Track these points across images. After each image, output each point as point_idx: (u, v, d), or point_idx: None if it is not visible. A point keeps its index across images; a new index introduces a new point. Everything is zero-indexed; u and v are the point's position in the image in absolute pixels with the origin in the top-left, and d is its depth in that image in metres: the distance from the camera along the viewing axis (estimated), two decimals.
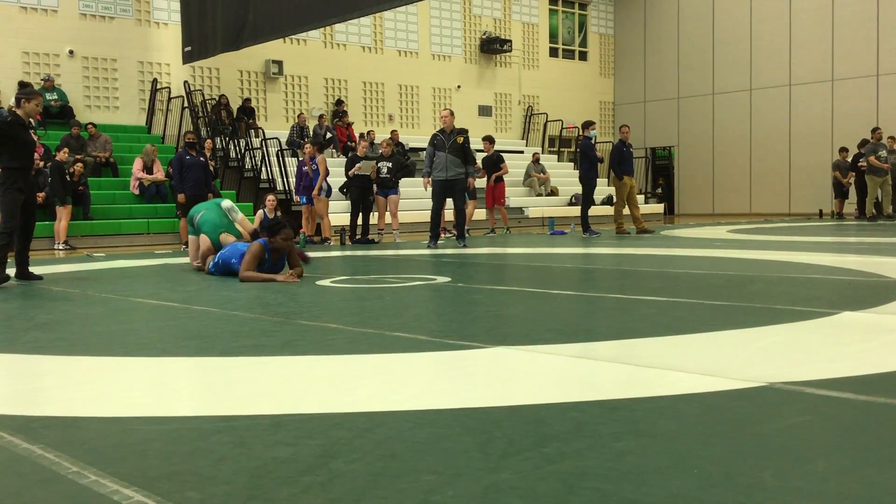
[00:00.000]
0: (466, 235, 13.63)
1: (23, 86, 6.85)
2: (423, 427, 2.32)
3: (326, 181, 12.90)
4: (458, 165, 10.93)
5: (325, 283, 6.53)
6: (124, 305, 5.38)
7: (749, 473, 1.87)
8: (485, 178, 15.02)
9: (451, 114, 11.21)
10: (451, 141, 10.94)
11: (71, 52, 16.48)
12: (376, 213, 13.39)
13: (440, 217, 11.29)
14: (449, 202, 11.56)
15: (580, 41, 25.85)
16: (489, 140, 15.05)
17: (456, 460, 2.01)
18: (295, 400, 2.72)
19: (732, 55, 23.62)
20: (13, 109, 7.08)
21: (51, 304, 5.58)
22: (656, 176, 25.28)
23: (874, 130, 17.50)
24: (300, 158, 14.24)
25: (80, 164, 13.09)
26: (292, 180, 15.65)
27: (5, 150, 6.77)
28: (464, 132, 11.34)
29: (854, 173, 18.57)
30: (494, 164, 14.85)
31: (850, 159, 18.92)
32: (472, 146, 12.20)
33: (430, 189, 11.25)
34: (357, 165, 12.65)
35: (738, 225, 16.75)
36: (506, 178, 15.17)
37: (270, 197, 13.12)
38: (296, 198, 13.98)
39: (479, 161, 14.75)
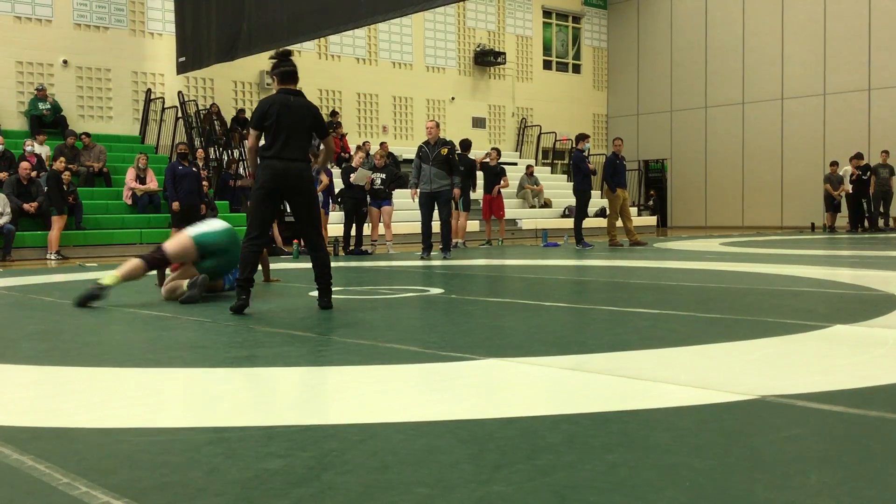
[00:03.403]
0: (461, 246, 13.70)
1: (285, 56, 5.47)
2: (415, 439, 2.31)
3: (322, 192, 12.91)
4: (442, 177, 10.94)
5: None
6: (116, 315, 5.36)
7: (741, 486, 1.88)
8: (482, 188, 15.07)
9: (437, 125, 11.24)
10: (435, 153, 10.97)
11: (65, 61, 16.48)
12: (370, 224, 13.39)
13: (431, 228, 11.31)
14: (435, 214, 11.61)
15: (574, 54, 25.95)
16: (496, 151, 15.23)
17: (448, 472, 2.00)
18: (287, 411, 2.72)
19: (725, 68, 23.74)
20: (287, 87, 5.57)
21: (42, 314, 5.56)
22: (649, 188, 25.36)
23: None
24: None
25: (67, 173, 13.08)
26: None
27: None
28: (449, 143, 11.35)
29: (849, 186, 18.71)
30: (498, 175, 14.91)
31: (841, 172, 19.03)
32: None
33: (416, 199, 11.31)
34: (352, 175, 12.65)
35: (731, 238, 16.79)
36: (501, 190, 15.22)
37: None
38: None
39: (478, 170, 14.85)
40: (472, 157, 14.39)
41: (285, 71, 5.55)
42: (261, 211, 5.48)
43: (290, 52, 5.70)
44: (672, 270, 8.46)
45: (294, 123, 5.43)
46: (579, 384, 3.05)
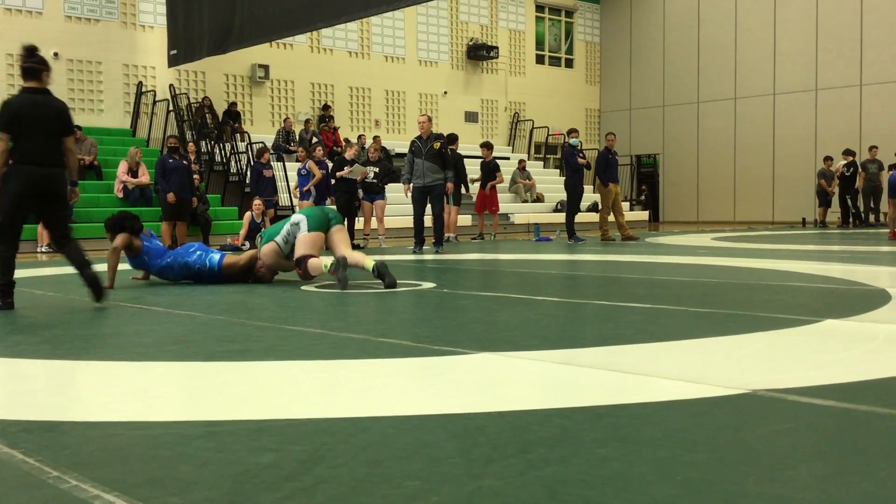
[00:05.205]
0: (453, 240, 13.70)
1: (30, 52, 5.24)
2: (407, 433, 2.31)
3: (313, 186, 12.89)
4: (435, 171, 10.92)
5: (310, 288, 6.51)
6: (107, 309, 5.34)
7: (732, 480, 1.88)
8: (478, 184, 15.06)
9: (429, 120, 11.21)
10: (427, 147, 10.95)
11: (56, 54, 16.38)
12: (362, 219, 13.37)
13: (423, 222, 11.31)
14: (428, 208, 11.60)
15: (566, 48, 25.94)
16: (488, 146, 15.17)
17: (440, 466, 2.00)
18: (279, 405, 2.71)
19: (717, 64, 23.77)
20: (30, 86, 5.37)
21: (33, 308, 5.53)
22: (641, 183, 25.39)
23: None
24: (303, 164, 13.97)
25: None
26: (279, 185, 15.60)
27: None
28: (441, 137, 11.33)
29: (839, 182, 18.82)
30: (492, 171, 14.90)
31: (833, 168, 19.11)
32: (469, 153, 12.18)
33: (409, 195, 11.30)
34: (347, 168, 12.59)
35: (722, 233, 16.83)
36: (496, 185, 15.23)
37: (257, 201, 13.12)
38: (299, 203, 13.83)
39: (471, 166, 14.83)
40: (458, 151, 14.33)
41: (27, 67, 5.31)
42: (17, 218, 5.29)
43: (35, 48, 5.35)
44: (664, 265, 8.48)
45: (47, 125, 5.25)
46: (571, 378, 3.05)
